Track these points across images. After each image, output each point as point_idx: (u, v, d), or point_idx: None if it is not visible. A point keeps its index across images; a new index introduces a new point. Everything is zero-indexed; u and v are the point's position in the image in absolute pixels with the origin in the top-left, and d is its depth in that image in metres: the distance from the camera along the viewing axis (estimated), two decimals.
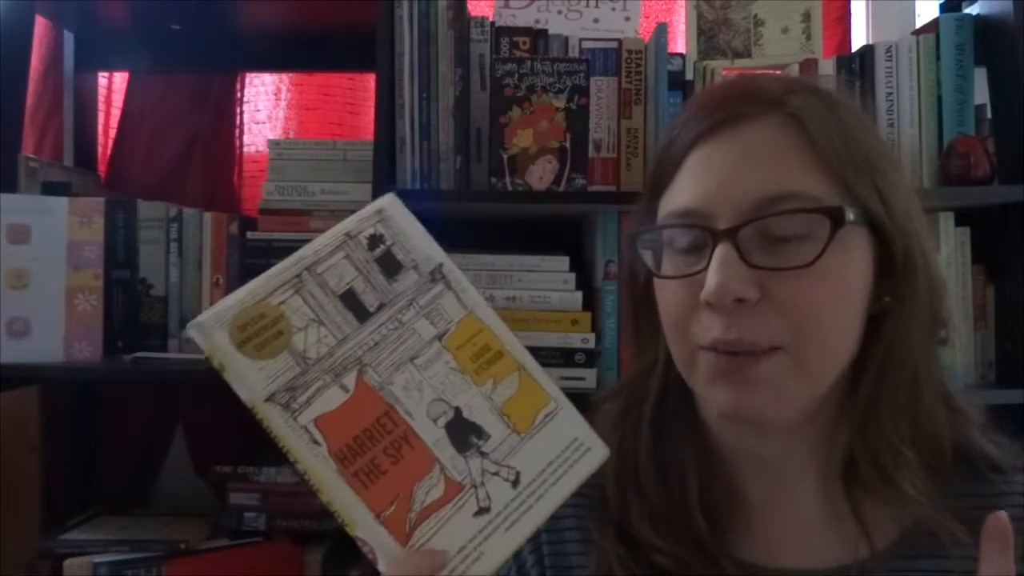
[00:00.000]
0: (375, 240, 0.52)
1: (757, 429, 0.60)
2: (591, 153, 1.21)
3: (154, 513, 1.40)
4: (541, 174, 1.18)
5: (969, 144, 1.19)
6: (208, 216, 1.33)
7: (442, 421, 0.50)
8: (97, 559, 1.19)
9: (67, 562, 1.19)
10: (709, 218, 0.56)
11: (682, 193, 0.58)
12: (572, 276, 1.21)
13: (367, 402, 0.48)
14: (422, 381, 0.50)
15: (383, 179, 1.18)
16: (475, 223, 1.27)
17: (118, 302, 1.29)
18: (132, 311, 1.30)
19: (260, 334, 0.47)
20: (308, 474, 0.47)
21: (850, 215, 0.55)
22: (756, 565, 0.61)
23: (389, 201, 0.53)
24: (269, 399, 0.47)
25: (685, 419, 0.64)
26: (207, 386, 1.50)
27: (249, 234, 1.31)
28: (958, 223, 1.22)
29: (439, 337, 0.51)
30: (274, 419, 0.46)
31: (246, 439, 1.48)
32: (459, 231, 1.27)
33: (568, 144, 1.18)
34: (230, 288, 1.32)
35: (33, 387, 1.46)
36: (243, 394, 0.47)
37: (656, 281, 0.61)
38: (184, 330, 1.32)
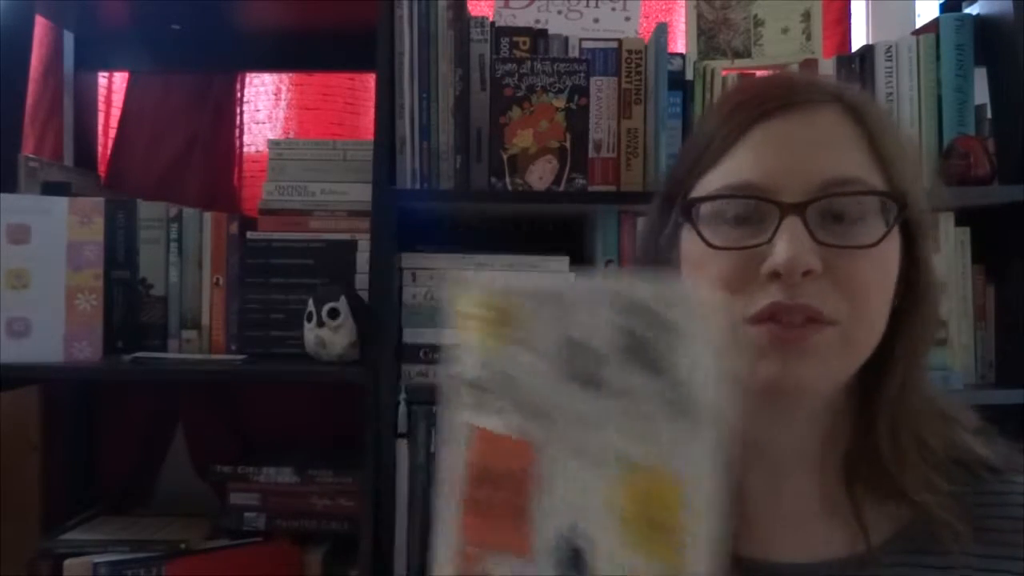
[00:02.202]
0: (658, 326, 0.44)
1: (788, 403, 0.61)
2: (591, 153, 1.21)
3: (154, 513, 1.40)
4: (541, 174, 1.18)
5: (969, 144, 1.19)
6: (208, 216, 1.33)
7: (563, 543, 0.43)
8: (97, 559, 1.19)
9: (67, 562, 1.19)
10: (774, 192, 0.57)
11: (742, 167, 0.59)
12: (572, 276, 1.21)
13: (522, 454, 0.44)
14: (579, 489, 0.43)
15: (383, 179, 1.18)
16: (475, 223, 1.27)
17: (118, 302, 1.29)
18: (132, 311, 1.30)
19: (494, 323, 0.45)
20: (440, 464, 0.45)
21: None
22: (752, 559, 0.61)
23: (712, 300, 0.44)
24: (458, 378, 0.45)
25: None
26: (207, 386, 1.52)
27: (249, 234, 1.31)
28: (958, 223, 1.22)
29: (630, 466, 0.43)
30: (451, 396, 0.45)
31: (246, 439, 1.49)
32: (459, 231, 1.28)
33: (568, 144, 1.18)
34: (230, 288, 1.32)
35: (33, 387, 1.46)
36: (455, 360, 0.46)
37: (698, 255, 0.61)
38: (183, 330, 1.32)
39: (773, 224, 0.57)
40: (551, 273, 1.21)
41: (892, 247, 0.59)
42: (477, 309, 0.45)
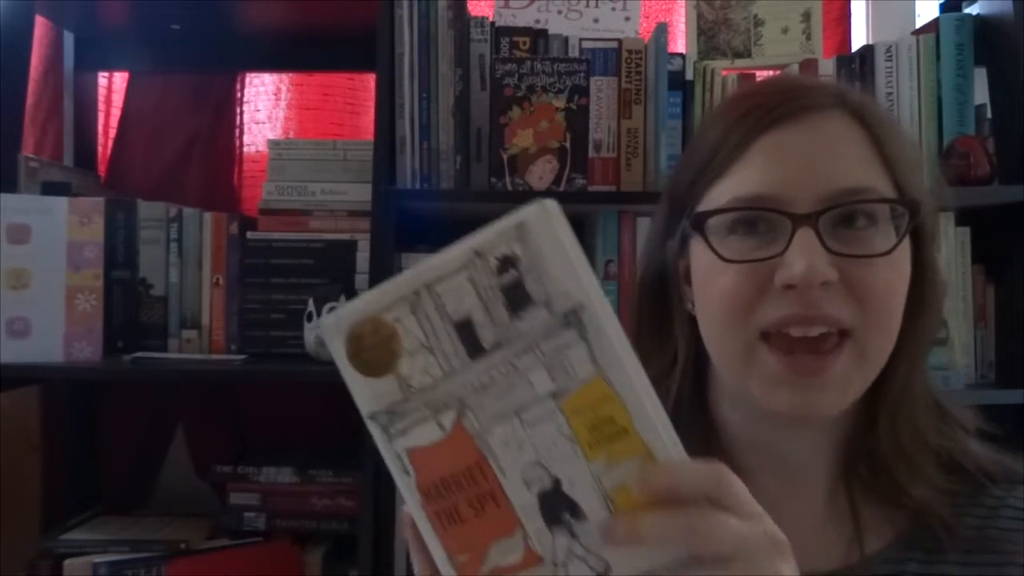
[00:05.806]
0: (506, 263, 0.43)
1: (803, 422, 0.61)
2: (591, 153, 1.21)
3: (154, 513, 1.40)
4: (541, 174, 1.18)
5: (969, 144, 1.19)
6: (208, 216, 1.33)
7: (536, 488, 0.44)
8: (97, 559, 1.19)
9: (67, 562, 1.19)
10: (785, 203, 0.56)
11: (751, 178, 0.58)
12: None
13: (460, 447, 0.44)
14: (525, 440, 0.43)
15: (383, 179, 1.18)
16: (475, 223, 1.27)
17: (118, 302, 1.29)
18: (132, 311, 1.30)
19: (371, 350, 0.43)
20: (402, 494, 0.45)
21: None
22: None
23: (537, 213, 0.43)
24: (371, 417, 0.44)
25: (699, 419, 0.64)
26: (207, 386, 1.52)
27: (249, 234, 1.31)
28: (958, 223, 1.22)
29: (555, 395, 0.43)
30: (376, 437, 0.44)
31: (246, 439, 1.49)
32: (459, 231, 1.28)
33: (568, 144, 1.18)
34: (230, 288, 1.32)
35: (33, 387, 1.46)
36: (357, 403, 0.44)
37: (708, 267, 0.60)
38: (183, 330, 1.32)
39: (785, 235, 0.56)
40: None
41: (903, 252, 0.58)
42: (346, 345, 0.43)
